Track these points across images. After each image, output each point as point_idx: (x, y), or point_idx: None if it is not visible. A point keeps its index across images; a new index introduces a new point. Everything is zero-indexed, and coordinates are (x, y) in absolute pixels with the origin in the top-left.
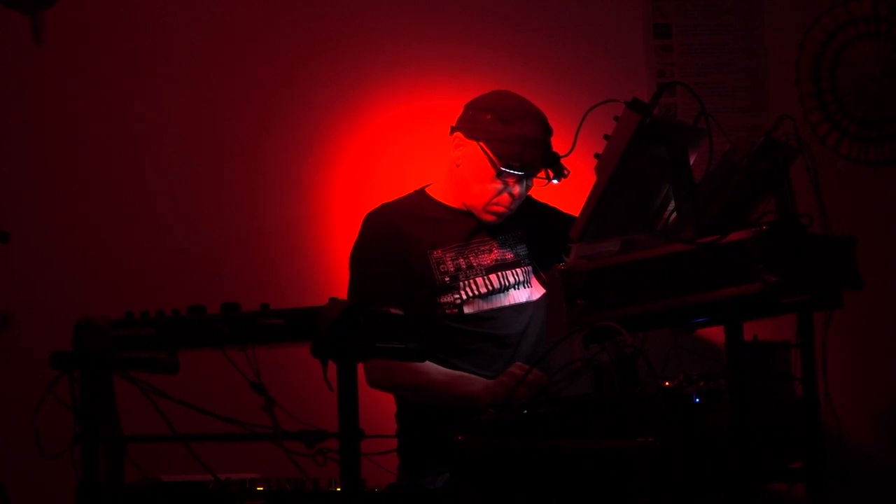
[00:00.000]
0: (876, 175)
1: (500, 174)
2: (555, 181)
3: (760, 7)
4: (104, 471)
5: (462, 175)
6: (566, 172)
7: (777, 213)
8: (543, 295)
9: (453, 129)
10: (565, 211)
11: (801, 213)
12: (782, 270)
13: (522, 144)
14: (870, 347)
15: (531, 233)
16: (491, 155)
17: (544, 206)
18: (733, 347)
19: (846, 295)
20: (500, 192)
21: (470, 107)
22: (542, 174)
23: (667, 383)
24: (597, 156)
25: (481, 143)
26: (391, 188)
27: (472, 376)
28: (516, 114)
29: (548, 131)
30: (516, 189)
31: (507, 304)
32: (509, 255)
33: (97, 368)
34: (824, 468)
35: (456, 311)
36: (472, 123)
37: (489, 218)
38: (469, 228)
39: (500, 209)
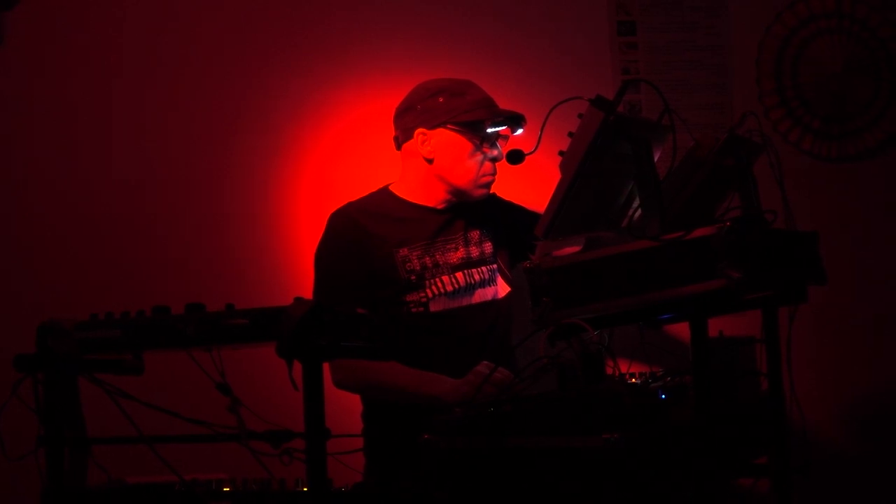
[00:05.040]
0: (839, 171)
1: (483, 140)
2: (520, 130)
3: (724, 4)
4: (69, 473)
5: (440, 165)
6: (524, 122)
7: (741, 209)
8: (509, 293)
9: (405, 134)
10: (530, 208)
11: (765, 208)
12: (746, 266)
13: (485, 105)
14: (834, 342)
15: (497, 231)
16: (466, 129)
17: (509, 204)
18: (699, 343)
19: (810, 290)
20: (482, 163)
21: (408, 108)
22: (505, 130)
23: (633, 380)
24: (561, 153)
25: (449, 126)
26: (357, 188)
27: (439, 375)
28: (461, 85)
29: None
30: (494, 152)
31: (473, 302)
32: (475, 253)
33: (61, 370)
34: (789, 463)
35: (422, 309)
36: (429, 113)
37: (481, 192)
38: (435, 226)
39: (489, 178)
